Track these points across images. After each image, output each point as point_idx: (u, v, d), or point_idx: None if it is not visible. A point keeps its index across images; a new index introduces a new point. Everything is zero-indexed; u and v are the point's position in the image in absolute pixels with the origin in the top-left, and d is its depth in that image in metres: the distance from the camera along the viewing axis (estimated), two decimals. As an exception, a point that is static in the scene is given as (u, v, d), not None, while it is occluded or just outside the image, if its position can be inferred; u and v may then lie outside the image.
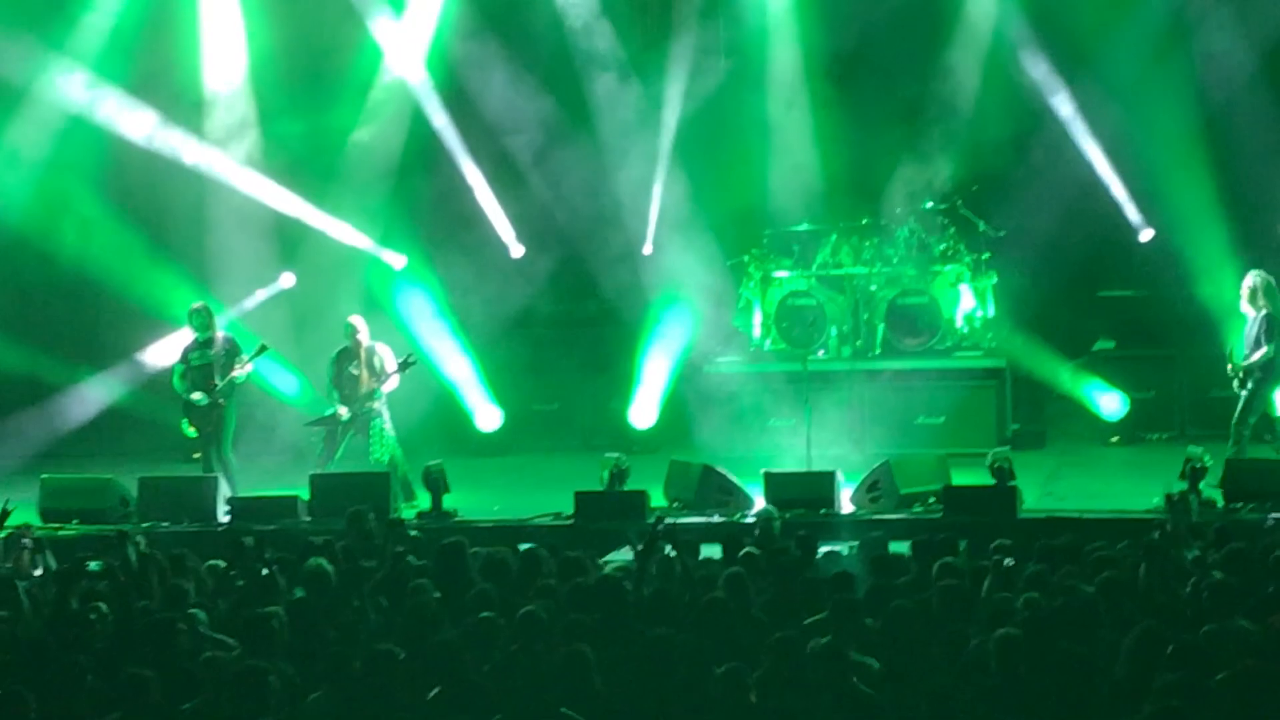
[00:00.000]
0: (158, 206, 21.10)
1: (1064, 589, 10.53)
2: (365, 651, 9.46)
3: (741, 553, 12.09)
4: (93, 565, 11.79)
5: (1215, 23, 19.99)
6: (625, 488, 16.21)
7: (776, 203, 20.97)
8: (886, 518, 15.57)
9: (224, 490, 16.73)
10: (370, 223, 21.31)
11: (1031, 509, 15.73)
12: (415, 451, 17.95)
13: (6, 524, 13.10)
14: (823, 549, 12.71)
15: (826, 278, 20.66)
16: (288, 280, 21.35)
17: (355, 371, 17.51)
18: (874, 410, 19.77)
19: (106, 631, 10.37)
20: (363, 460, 17.43)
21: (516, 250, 21.67)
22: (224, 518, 16.44)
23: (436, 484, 16.46)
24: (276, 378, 19.87)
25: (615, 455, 16.55)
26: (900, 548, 12.80)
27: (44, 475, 17.21)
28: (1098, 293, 21.12)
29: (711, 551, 13.00)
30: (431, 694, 9.11)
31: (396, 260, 21.38)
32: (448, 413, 20.62)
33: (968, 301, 20.30)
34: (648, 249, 21.20)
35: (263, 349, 17.48)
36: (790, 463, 17.25)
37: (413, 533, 13.99)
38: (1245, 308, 16.42)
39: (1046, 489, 17.19)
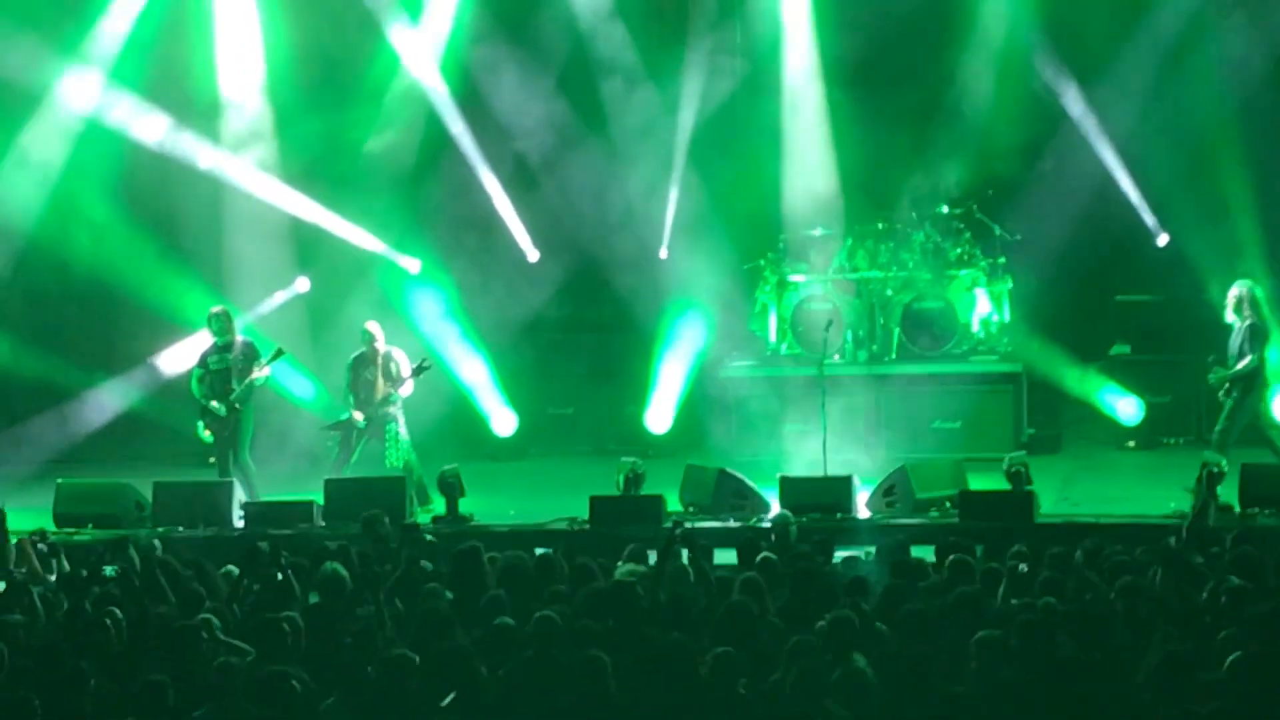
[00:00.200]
0: (173, 211, 21.13)
1: (1078, 594, 10.51)
2: (380, 657, 9.45)
3: (759, 558, 12.06)
4: (108, 570, 11.78)
5: (1230, 27, 19.96)
6: (641, 492, 16.20)
7: (791, 207, 20.97)
8: (903, 522, 15.55)
9: (239, 495, 16.70)
10: (385, 227, 21.31)
11: (1048, 514, 15.70)
12: (430, 456, 17.94)
13: (23, 529, 13.16)
14: (841, 554, 12.69)
15: (842, 282, 20.65)
16: (303, 285, 21.36)
17: (371, 377, 17.51)
18: (890, 415, 19.78)
19: (120, 637, 10.36)
20: (378, 465, 17.43)
21: (532, 255, 21.68)
22: (239, 523, 16.42)
23: (452, 488, 16.45)
24: (291, 382, 19.86)
25: (631, 460, 16.55)
26: (919, 552, 12.76)
27: (59, 480, 17.21)
28: (1114, 297, 21.08)
29: (726, 556, 12.98)
30: (446, 700, 9.09)
31: (411, 265, 21.38)
32: (463, 417, 20.62)
33: (983, 306, 20.29)
34: (663, 253, 21.21)
35: (279, 353, 17.47)
36: (806, 467, 17.22)
37: (428, 537, 13.96)
38: (1230, 317, 16.51)
39: (1063, 494, 17.15)
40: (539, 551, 12.64)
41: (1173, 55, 19.87)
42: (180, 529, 16.21)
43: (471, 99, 21.36)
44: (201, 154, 20.94)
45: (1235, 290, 16.54)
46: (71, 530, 16.17)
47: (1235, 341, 16.40)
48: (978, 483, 16.23)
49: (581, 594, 10.84)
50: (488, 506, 16.98)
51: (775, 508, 15.58)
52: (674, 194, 21.16)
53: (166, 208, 21.09)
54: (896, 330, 20.29)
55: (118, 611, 10.55)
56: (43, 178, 20.55)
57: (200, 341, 17.96)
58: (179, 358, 20.13)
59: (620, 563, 12.08)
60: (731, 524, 15.68)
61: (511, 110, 21.27)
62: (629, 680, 9.23)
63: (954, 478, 16.26)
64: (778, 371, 20.21)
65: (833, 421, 17.67)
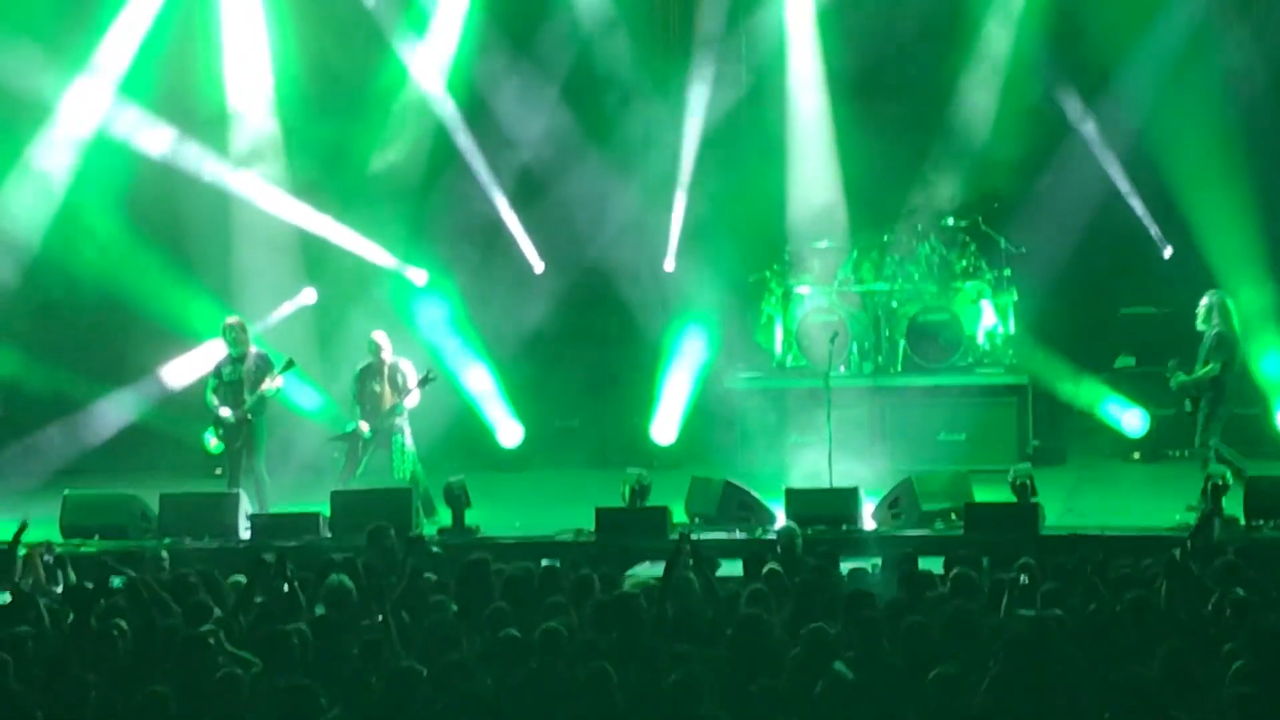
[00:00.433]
0: (180, 223, 21.17)
1: (1083, 605, 10.51)
2: (386, 669, 9.46)
3: (765, 569, 12.07)
4: (116, 582, 11.81)
5: (1234, 39, 19.99)
6: (646, 504, 16.23)
7: (796, 219, 20.99)
8: (908, 534, 15.56)
9: (245, 506, 16.71)
10: (392, 239, 21.35)
11: (1053, 526, 15.70)
12: (436, 467, 17.97)
13: (28, 540, 13.17)
14: (849, 565, 12.69)
15: (847, 294, 20.67)
16: (309, 296, 21.40)
17: (378, 388, 17.54)
18: (895, 427, 19.78)
19: (127, 649, 10.37)
20: (384, 476, 17.45)
21: (538, 266, 21.71)
22: (245, 534, 16.45)
23: (458, 500, 16.47)
24: (298, 393, 19.88)
25: (636, 471, 16.57)
26: (928, 564, 12.75)
27: (67, 491, 17.23)
28: (1119, 309, 21.10)
29: (732, 568, 12.99)
30: (451, 713, 9.10)
31: (418, 276, 21.42)
32: (469, 428, 20.65)
33: (989, 318, 20.30)
34: (668, 265, 21.24)
35: (289, 364, 17.51)
36: (811, 479, 17.23)
37: (434, 549, 13.99)
38: (1201, 325, 16.63)
39: (1068, 505, 17.17)
40: (544, 563, 12.65)
41: (1176, 67, 19.88)
42: (187, 540, 16.24)
43: (477, 111, 21.41)
44: (209, 166, 20.99)
45: (1206, 299, 16.77)
46: (78, 541, 16.19)
47: (1203, 349, 16.55)
48: (983, 494, 16.23)
49: (588, 605, 10.85)
50: (494, 517, 17.00)
51: (781, 519, 15.59)
52: (679, 206, 21.20)
53: (173, 220, 21.13)
54: (902, 342, 20.28)
55: (123, 623, 10.57)
56: (50, 190, 20.60)
57: (210, 352, 18.01)
58: (186, 369, 20.18)
59: (627, 574, 12.10)
60: (737, 535, 15.70)
61: (517, 122, 21.30)
62: (634, 693, 9.24)
63: (959, 490, 16.24)
64: (783, 383, 20.21)
65: (838, 433, 17.67)
